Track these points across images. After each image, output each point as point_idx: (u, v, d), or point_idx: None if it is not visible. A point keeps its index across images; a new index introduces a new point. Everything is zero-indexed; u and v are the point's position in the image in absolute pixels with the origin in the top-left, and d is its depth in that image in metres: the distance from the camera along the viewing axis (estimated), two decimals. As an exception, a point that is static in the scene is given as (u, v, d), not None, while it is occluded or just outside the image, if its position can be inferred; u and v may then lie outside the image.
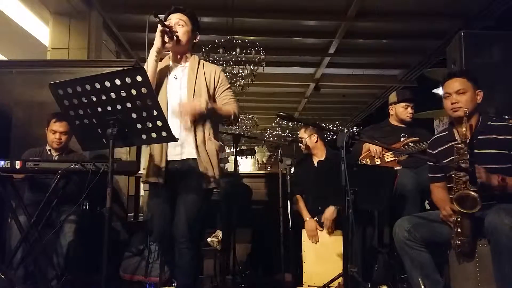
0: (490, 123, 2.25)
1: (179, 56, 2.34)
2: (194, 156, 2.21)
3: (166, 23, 2.22)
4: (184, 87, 2.29)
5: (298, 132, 3.79)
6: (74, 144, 3.13)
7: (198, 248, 2.29)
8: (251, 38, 6.30)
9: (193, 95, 2.24)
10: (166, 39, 2.19)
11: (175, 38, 2.21)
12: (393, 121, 3.29)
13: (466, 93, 2.22)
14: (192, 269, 2.22)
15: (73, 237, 2.74)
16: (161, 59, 2.31)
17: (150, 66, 2.20)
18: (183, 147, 2.23)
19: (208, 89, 2.29)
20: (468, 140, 2.11)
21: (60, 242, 2.74)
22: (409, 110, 3.21)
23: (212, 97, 2.30)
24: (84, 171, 2.42)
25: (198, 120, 2.20)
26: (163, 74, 2.30)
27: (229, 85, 2.39)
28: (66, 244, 2.71)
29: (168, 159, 2.24)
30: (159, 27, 2.17)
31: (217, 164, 2.25)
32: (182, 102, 2.20)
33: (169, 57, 2.34)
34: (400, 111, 3.23)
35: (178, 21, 2.27)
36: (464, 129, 2.10)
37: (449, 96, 2.27)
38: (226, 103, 2.30)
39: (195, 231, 2.21)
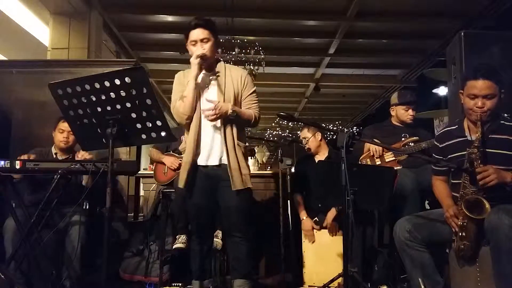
0: (503, 122, 2.19)
1: (209, 67, 2.48)
2: (225, 161, 2.41)
3: (190, 40, 2.40)
4: (215, 94, 2.44)
5: (299, 132, 3.78)
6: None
7: (252, 240, 2.53)
8: (251, 38, 6.30)
9: (223, 100, 2.40)
10: (199, 65, 2.35)
11: (206, 57, 2.37)
12: (394, 121, 3.30)
13: (493, 98, 2.12)
14: (248, 260, 2.49)
15: (83, 239, 2.70)
16: None
17: (190, 97, 2.37)
18: (214, 152, 2.43)
19: (235, 93, 2.46)
20: (481, 145, 2.07)
21: (69, 245, 2.71)
22: (410, 112, 3.20)
23: (239, 99, 2.48)
24: (83, 171, 2.42)
25: (225, 125, 2.39)
26: (197, 85, 2.43)
27: (253, 89, 2.54)
28: (77, 246, 2.67)
29: (201, 164, 2.44)
30: (195, 59, 2.33)
31: (246, 165, 2.47)
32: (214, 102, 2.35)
33: (202, 69, 2.47)
34: (401, 113, 3.23)
35: (202, 38, 2.39)
36: (478, 134, 2.07)
37: (474, 98, 2.13)
38: (250, 107, 2.49)
39: (245, 226, 2.47)
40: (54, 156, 3.06)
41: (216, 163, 2.44)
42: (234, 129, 2.43)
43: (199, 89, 2.44)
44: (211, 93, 2.47)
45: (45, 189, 2.52)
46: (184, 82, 2.46)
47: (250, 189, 2.49)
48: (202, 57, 2.35)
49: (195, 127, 2.41)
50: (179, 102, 2.42)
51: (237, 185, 2.39)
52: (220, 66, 2.52)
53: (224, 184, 2.43)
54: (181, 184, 2.45)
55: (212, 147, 2.44)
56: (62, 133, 3.02)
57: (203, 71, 2.47)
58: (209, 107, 2.34)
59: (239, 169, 2.40)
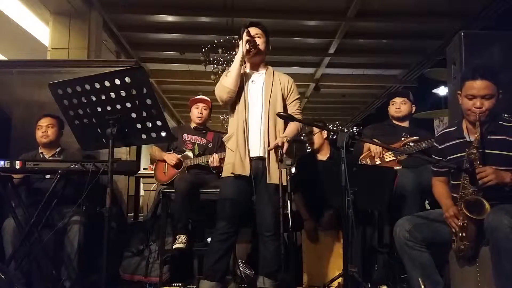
0: (501, 123, 2.19)
1: (256, 65, 2.66)
2: (266, 154, 2.50)
3: (245, 36, 2.49)
4: (261, 92, 2.59)
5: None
6: (69, 144, 3.14)
7: (280, 240, 2.50)
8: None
9: (270, 99, 2.56)
10: (248, 46, 2.48)
11: (257, 47, 2.53)
12: (392, 120, 3.31)
13: (492, 98, 2.12)
14: (274, 259, 2.48)
15: (82, 239, 2.70)
16: None
17: (235, 71, 2.51)
18: (259, 144, 2.52)
19: (282, 95, 2.61)
20: (480, 145, 2.07)
21: (68, 245, 2.70)
22: (396, 106, 3.23)
23: (284, 102, 2.62)
24: (83, 171, 2.42)
25: (270, 119, 2.53)
26: (242, 79, 2.55)
27: (298, 96, 2.72)
28: (76, 246, 2.67)
29: (251, 156, 2.49)
30: (245, 37, 2.46)
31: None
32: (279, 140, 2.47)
33: (244, 66, 2.57)
34: (390, 109, 3.29)
35: (256, 34, 2.56)
36: (477, 135, 2.07)
37: (472, 98, 2.12)
38: (294, 111, 2.62)
39: (276, 224, 2.46)
40: (41, 156, 3.06)
41: (259, 154, 2.51)
42: (278, 125, 2.55)
43: (244, 84, 2.54)
44: (259, 89, 2.59)
45: (42, 192, 2.53)
46: None
47: (286, 188, 2.49)
48: (254, 42, 2.49)
49: (242, 118, 2.52)
50: (223, 77, 2.59)
51: (273, 179, 2.46)
52: (269, 70, 2.69)
53: (263, 178, 2.50)
54: (235, 170, 2.46)
55: (257, 139, 2.52)
56: (40, 129, 3.04)
57: (249, 68, 2.62)
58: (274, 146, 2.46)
59: (277, 164, 2.47)
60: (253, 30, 2.57)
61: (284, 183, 2.46)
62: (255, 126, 2.54)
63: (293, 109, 2.65)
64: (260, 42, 2.57)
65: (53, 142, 3.07)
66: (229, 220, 2.50)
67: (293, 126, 2.59)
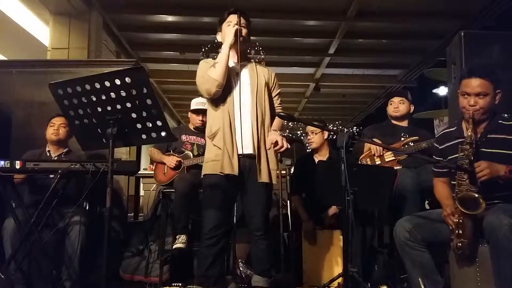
0: (501, 121, 2.20)
1: (239, 56, 2.49)
2: (255, 152, 2.41)
3: (226, 21, 2.49)
4: (247, 84, 2.50)
5: (299, 132, 3.78)
6: (73, 145, 3.14)
7: (271, 238, 2.52)
8: (251, 38, 6.28)
9: (257, 93, 2.47)
10: (237, 33, 2.40)
11: (243, 36, 2.44)
12: (391, 119, 3.31)
13: (486, 96, 2.14)
14: (266, 257, 2.48)
15: (83, 239, 2.69)
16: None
17: (224, 61, 2.38)
18: (247, 141, 2.42)
19: (268, 86, 2.55)
20: (474, 141, 2.09)
21: (69, 245, 2.70)
22: (394, 105, 3.24)
23: (270, 96, 2.56)
24: (83, 171, 2.42)
25: (257, 115, 2.44)
26: (228, 71, 2.44)
27: (280, 89, 2.68)
28: (77, 246, 2.65)
29: (239, 153, 2.40)
30: (233, 25, 2.41)
31: (274, 159, 2.47)
32: (276, 139, 2.40)
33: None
34: (388, 109, 3.30)
35: (242, 22, 2.47)
36: (469, 131, 2.09)
37: (467, 96, 2.17)
38: (277, 106, 2.61)
39: (265, 223, 2.47)
40: (48, 154, 3.07)
41: (248, 152, 2.41)
42: (266, 120, 2.47)
43: (230, 75, 2.45)
44: (245, 81, 2.50)
45: (45, 191, 2.53)
46: (210, 63, 2.48)
47: (272, 186, 2.46)
48: (239, 33, 2.40)
49: (229, 113, 2.41)
50: (210, 69, 2.41)
51: (263, 178, 2.39)
52: (252, 63, 2.62)
53: (251, 175, 2.42)
54: (223, 169, 2.33)
55: (245, 135, 2.42)
56: (52, 127, 3.06)
57: (234, 60, 2.49)
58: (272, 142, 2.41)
59: (267, 161, 2.42)
60: (237, 18, 2.47)
61: (274, 181, 2.44)
62: (243, 122, 2.42)
63: (277, 103, 2.62)
64: (244, 32, 2.48)
65: (62, 141, 3.09)
66: (216, 222, 2.37)
67: (279, 120, 2.53)
